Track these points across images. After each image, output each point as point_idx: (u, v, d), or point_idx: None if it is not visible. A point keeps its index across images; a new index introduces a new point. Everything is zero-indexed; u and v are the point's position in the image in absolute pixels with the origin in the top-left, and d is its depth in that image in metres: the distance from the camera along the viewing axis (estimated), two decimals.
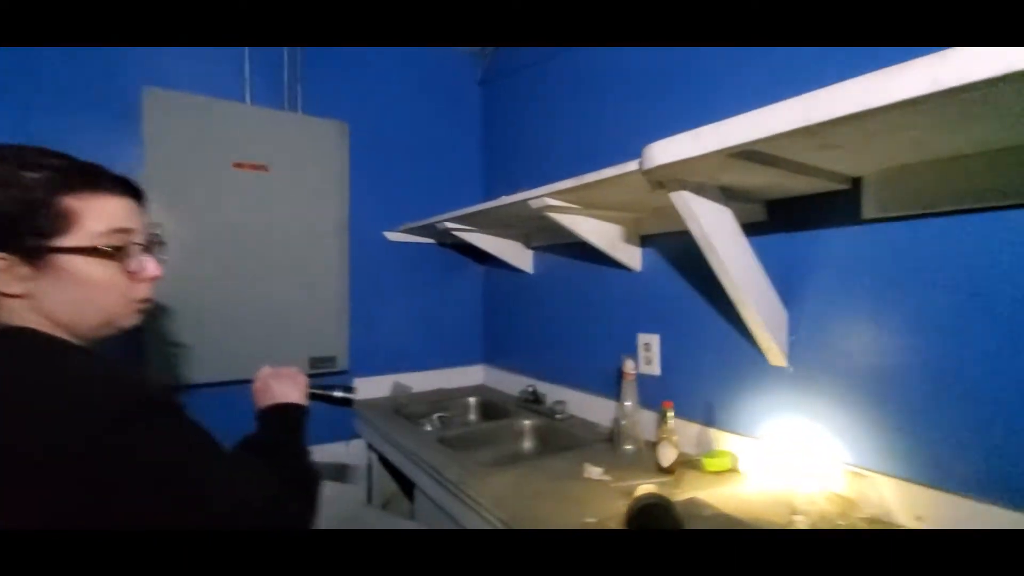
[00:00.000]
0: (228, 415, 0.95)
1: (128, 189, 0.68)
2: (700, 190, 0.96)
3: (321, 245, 1.84)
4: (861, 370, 1.02)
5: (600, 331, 1.68)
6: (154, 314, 1.56)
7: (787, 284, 1.13)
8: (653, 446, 1.26)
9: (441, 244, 2.22)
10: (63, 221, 0.61)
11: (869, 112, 0.57)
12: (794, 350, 1.14)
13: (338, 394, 1.02)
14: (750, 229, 1.15)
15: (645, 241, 1.51)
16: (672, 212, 1.00)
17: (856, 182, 1.00)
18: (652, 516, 0.89)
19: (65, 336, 0.63)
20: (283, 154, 1.74)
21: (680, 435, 1.31)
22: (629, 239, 1.50)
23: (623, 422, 1.35)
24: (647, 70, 1.50)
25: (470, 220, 1.67)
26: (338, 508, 1.58)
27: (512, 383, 2.06)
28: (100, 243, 0.63)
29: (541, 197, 1.20)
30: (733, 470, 1.22)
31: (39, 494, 0.51)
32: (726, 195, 1.01)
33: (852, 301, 1.04)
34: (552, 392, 1.85)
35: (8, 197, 0.59)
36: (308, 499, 0.74)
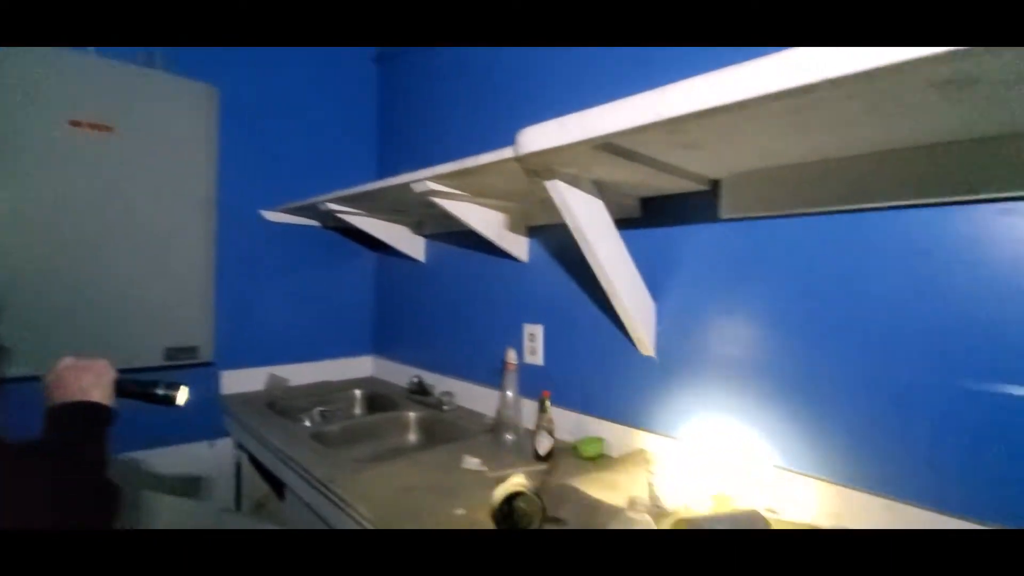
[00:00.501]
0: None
1: None
2: (574, 181, 0.97)
3: (181, 221, 1.64)
4: (716, 359, 1.10)
5: (489, 321, 1.67)
6: None
7: (656, 277, 1.19)
8: (533, 435, 1.28)
9: (328, 228, 2.09)
10: None
11: (710, 111, 0.60)
12: (660, 340, 1.20)
13: (160, 392, 0.87)
14: (625, 224, 1.20)
15: (532, 232, 1.52)
16: (555, 208, 1.01)
17: (715, 184, 1.07)
18: (516, 504, 0.89)
19: None
20: (133, 115, 1.52)
21: (559, 423, 1.34)
22: (516, 229, 1.50)
23: (504, 412, 1.35)
24: (533, 56, 1.50)
25: (355, 202, 1.58)
26: (195, 520, 1.43)
27: (403, 374, 1.99)
28: None
29: (423, 180, 1.16)
30: (604, 455, 1.27)
31: None
32: (599, 188, 1.04)
33: (710, 295, 1.12)
34: (441, 383, 1.81)
35: None
36: (96, 517, 0.62)
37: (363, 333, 2.22)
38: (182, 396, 0.89)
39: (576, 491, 1.05)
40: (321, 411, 1.82)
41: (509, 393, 1.36)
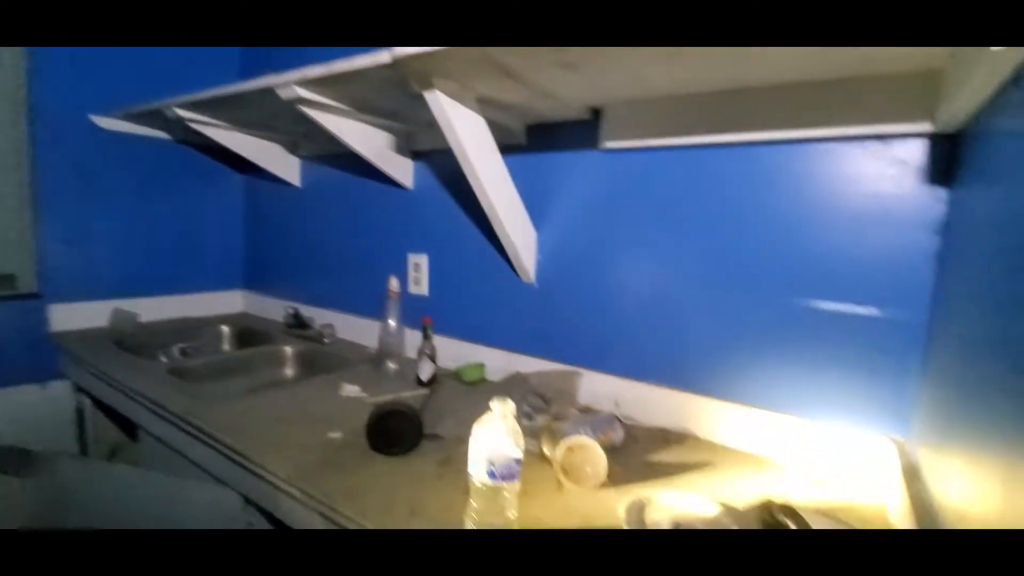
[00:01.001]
0: None
1: None
2: (456, 96, 0.93)
3: None
4: (591, 285, 1.17)
5: (372, 251, 1.60)
6: None
7: (538, 207, 1.21)
8: (416, 362, 1.28)
9: (183, 142, 1.82)
10: None
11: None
12: (541, 268, 1.24)
13: None
14: (510, 151, 1.19)
15: (417, 157, 1.46)
16: (440, 130, 0.96)
17: (596, 113, 1.10)
18: (394, 421, 0.89)
19: None
20: None
21: (443, 352, 1.36)
22: (400, 153, 1.43)
23: (386, 340, 1.33)
24: None
25: (212, 110, 1.38)
26: (39, 472, 1.25)
27: (279, 309, 1.86)
28: None
29: (289, 85, 1.03)
30: (484, 379, 1.32)
31: None
32: (483, 108, 1.01)
33: (588, 224, 1.16)
34: (321, 316, 1.73)
35: None
36: None
37: (231, 265, 2.02)
38: None
39: (455, 409, 1.08)
40: (181, 348, 1.65)
41: (391, 322, 1.33)
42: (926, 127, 0.79)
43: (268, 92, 1.08)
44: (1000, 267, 0.54)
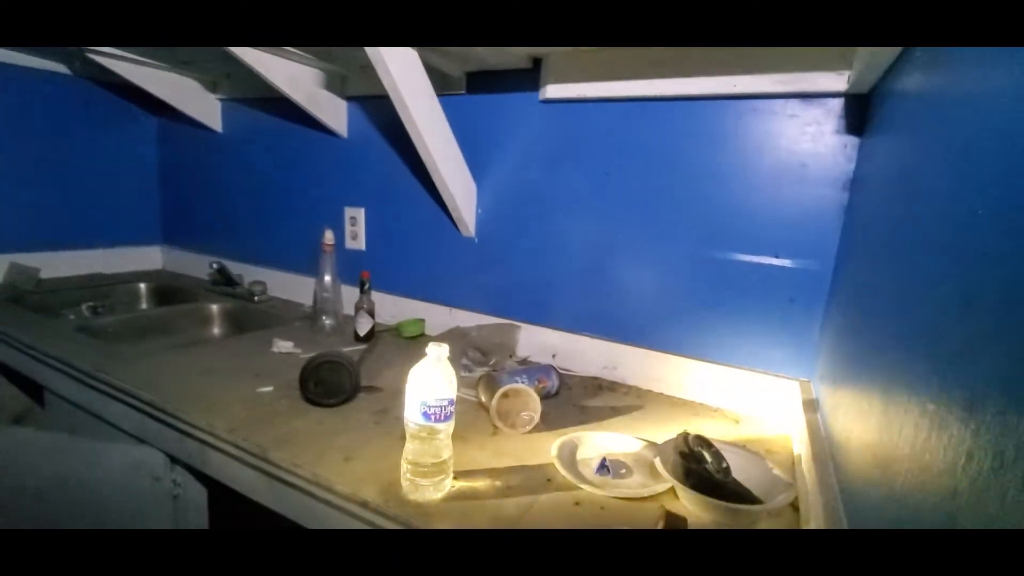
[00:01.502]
0: None
1: None
2: None
3: None
4: (528, 239, 1.18)
5: (305, 204, 1.53)
6: None
7: (478, 158, 1.20)
8: (353, 319, 1.25)
9: (88, 78, 1.62)
10: None
11: None
12: (480, 222, 1.23)
13: None
14: (449, 102, 1.15)
15: (352, 103, 1.38)
16: (377, 74, 0.91)
17: (537, 62, 1.08)
18: (327, 371, 0.88)
19: None
20: None
21: (381, 308, 1.33)
22: (333, 96, 1.35)
23: (322, 295, 1.29)
24: None
25: None
26: None
27: (203, 267, 1.74)
28: None
29: None
30: (423, 335, 1.31)
31: None
32: (421, 49, 0.96)
33: (527, 177, 1.16)
34: (251, 274, 1.64)
35: None
36: None
37: (147, 217, 1.86)
38: None
39: (393, 362, 1.07)
40: (91, 306, 1.53)
41: (327, 277, 1.29)
42: (841, 86, 0.83)
43: None
44: (888, 217, 0.59)
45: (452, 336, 1.22)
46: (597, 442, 0.81)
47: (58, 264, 1.63)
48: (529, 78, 1.10)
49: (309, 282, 1.49)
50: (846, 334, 0.70)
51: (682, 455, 0.68)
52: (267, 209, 1.62)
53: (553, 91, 1.06)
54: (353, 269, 1.36)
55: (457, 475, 0.70)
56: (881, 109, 0.74)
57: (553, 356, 1.16)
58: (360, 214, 1.41)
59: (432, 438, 0.64)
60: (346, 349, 1.16)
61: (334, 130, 1.37)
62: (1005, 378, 0.27)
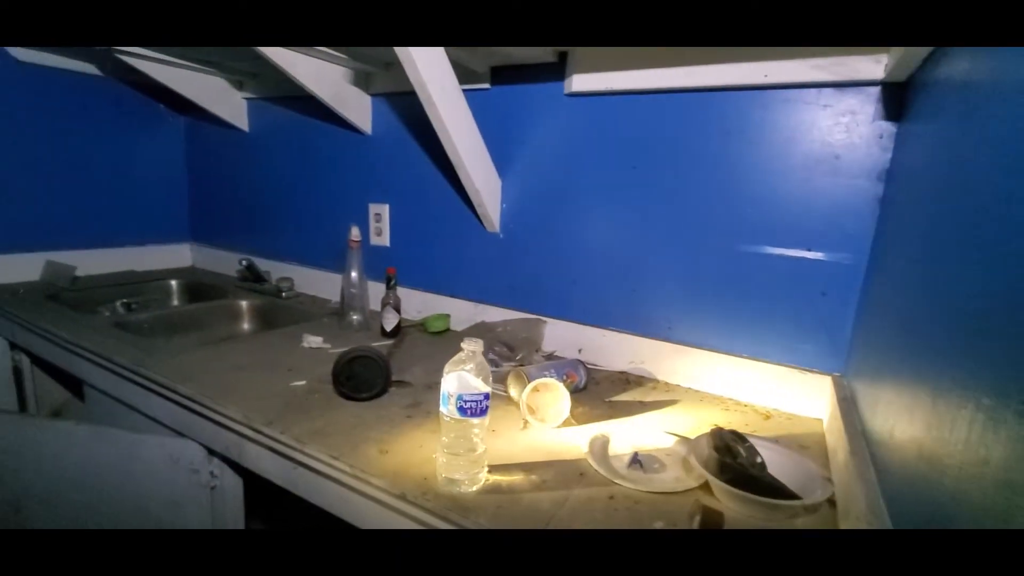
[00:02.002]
0: None
1: None
2: None
3: None
4: (553, 234, 1.18)
5: (330, 201, 1.55)
6: None
7: (502, 153, 1.20)
8: (380, 314, 1.27)
9: (118, 78, 1.66)
10: None
11: None
12: (505, 217, 1.24)
13: None
14: (474, 97, 1.15)
15: (376, 101, 1.39)
16: (402, 72, 0.92)
17: (563, 56, 1.07)
18: (360, 366, 0.89)
19: None
20: None
21: (406, 304, 1.35)
22: (358, 94, 1.36)
23: (349, 291, 1.30)
24: None
25: None
26: None
27: (231, 263, 1.78)
28: None
29: None
30: (449, 330, 1.32)
31: None
32: (447, 48, 0.97)
33: (552, 172, 1.16)
34: (278, 270, 1.67)
35: None
36: None
37: (177, 216, 1.91)
38: None
39: (422, 357, 1.09)
40: (125, 303, 1.57)
41: (353, 272, 1.30)
42: (879, 74, 0.81)
43: None
44: (931, 209, 0.58)
45: (478, 331, 1.23)
46: (628, 437, 0.81)
47: (92, 262, 1.68)
48: (554, 71, 1.09)
49: (335, 278, 1.51)
50: (886, 328, 0.69)
51: (716, 450, 0.67)
52: (293, 206, 1.64)
53: (579, 84, 1.06)
54: (378, 265, 1.37)
55: (491, 469, 0.70)
56: (921, 98, 0.73)
57: (579, 351, 1.16)
58: (385, 210, 1.42)
59: (467, 432, 0.65)
60: (375, 344, 1.18)
61: (359, 127, 1.38)
62: None
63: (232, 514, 1.05)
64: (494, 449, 0.75)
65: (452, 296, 1.35)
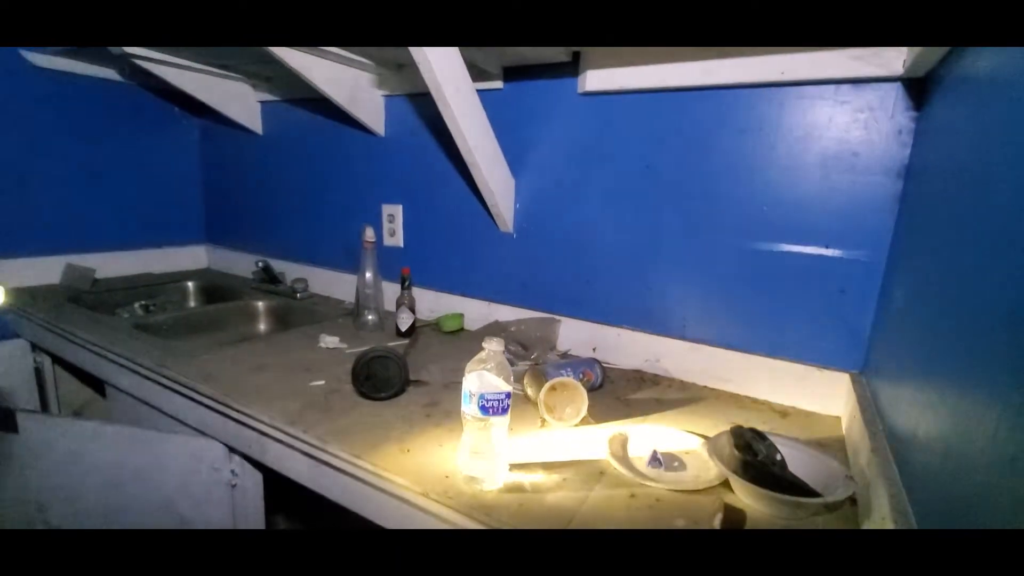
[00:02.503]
0: None
1: None
2: None
3: None
4: (567, 233, 1.18)
5: (343, 202, 1.56)
6: None
7: (515, 153, 1.20)
8: (394, 314, 1.28)
9: (133, 82, 1.68)
10: None
11: None
12: (519, 217, 1.24)
13: None
14: (487, 97, 1.15)
15: (389, 102, 1.40)
16: (415, 73, 0.93)
17: (576, 56, 1.08)
18: (378, 365, 0.90)
19: None
20: None
21: (420, 303, 1.36)
22: (371, 96, 1.37)
23: (364, 291, 1.32)
24: None
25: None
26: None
27: (246, 265, 1.80)
28: None
29: None
30: (463, 329, 1.33)
31: None
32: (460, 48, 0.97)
33: (566, 171, 1.16)
34: (292, 271, 1.69)
35: None
36: None
37: (192, 218, 1.93)
38: None
39: (438, 356, 1.09)
40: (143, 304, 1.59)
41: (368, 273, 1.32)
42: (898, 70, 0.81)
43: None
44: (954, 207, 0.58)
45: (492, 330, 1.24)
46: (646, 435, 0.82)
47: (110, 264, 1.70)
48: (568, 70, 1.10)
49: (348, 279, 1.53)
50: (908, 325, 0.69)
51: (737, 447, 0.67)
52: (306, 208, 1.66)
53: (592, 83, 1.06)
54: (391, 266, 1.38)
55: (511, 467, 0.71)
56: (941, 93, 0.72)
57: (594, 350, 1.16)
58: (398, 211, 1.43)
59: (489, 431, 0.66)
60: (390, 344, 1.19)
61: (372, 129, 1.39)
62: None
63: (253, 512, 1.07)
64: (513, 448, 0.76)
65: (465, 296, 1.35)
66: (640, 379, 1.08)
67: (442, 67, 0.93)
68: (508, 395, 0.65)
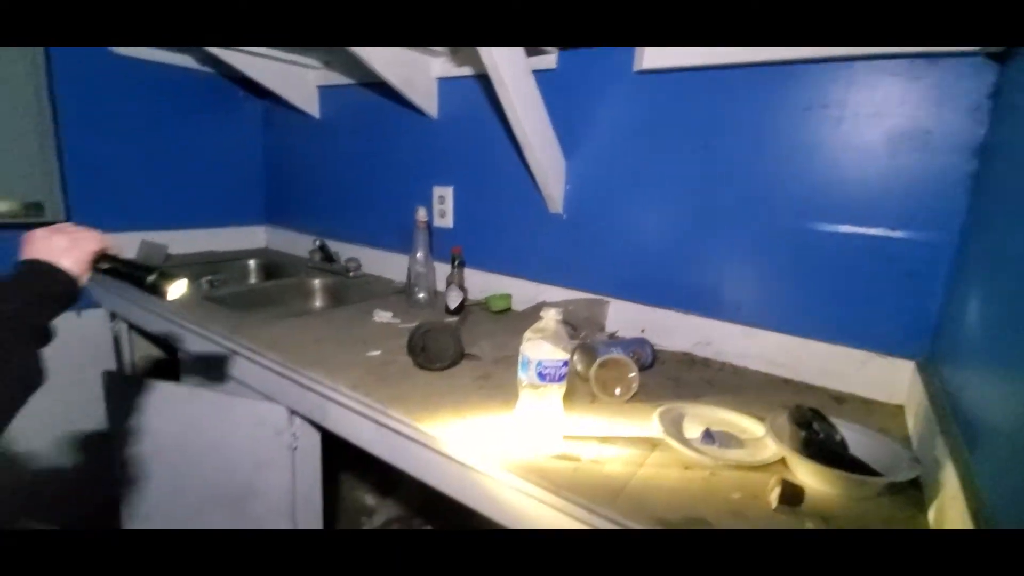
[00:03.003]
0: None
1: None
2: None
3: None
4: (617, 214, 1.18)
5: (396, 184, 1.60)
6: None
7: (568, 134, 1.20)
8: (444, 293, 1.31)
9: (203, 67, 1.78)
10: None
11: None
12: (569, 198, 1.25)
13: (149, 279, 0.74)
14: (541, 77, 1.16)
15: (443, 84, 1.43)
16: (471, 54, 0.94)
17: None
18: (433, 337, 0.93)
19: None
20: None
21: (469, 283, 1.39)
22: (426, 78, 1.40)
23: (415, 270, 1.36)
24: None
25: None
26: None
27: (301, 245, 1.88)
28: None
29: None
30: (511, 310, 1.35)
31: None
32: None
33: (619, 152, 1.16)
34: (345, 251, 1.75)
35: None
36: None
37: (253, 199, 2.03)
38: (176, 290, 0.75)
39: (489, 333, 1.12)
40: (209, 280, 1.69)
41: (420, 252, 1.35)
42: (973, 46, 0.77)
43: None
44: None
45: (539, 311, 1.25)
46: (699, 413, 0.82)
47: (180, 241, 1.81)
48: (623, 49, 1.09)
49: (398, 259, 1.58)
50: (985, 311, 0.66)
51: (798, 425, 0.67)
52: (359, 190, 1.71)
53: (649, 61, 1.05)
54: (441, 247, 1.42)
55: (564, 438, 0.73)
56: (1022, 68, 0.68)
57: (642, 331, 1.16)
58: (448, 193, 1.46)
59: (545, 398, 0.67)
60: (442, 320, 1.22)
61: (425, 111, 1.42)
62: None
63: (311, 473, 1.13)
64: (565, 421, 0.78)
65: (514, 276, 1.37)
66: (690, 362, 1.08)
67: (501, 50, 0.94)
68: (565, 363, 0.67)
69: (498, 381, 0.92)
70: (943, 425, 0.65)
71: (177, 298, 0.76)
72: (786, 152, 0.96)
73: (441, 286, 1.42)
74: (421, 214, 1.33)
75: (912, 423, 0.82)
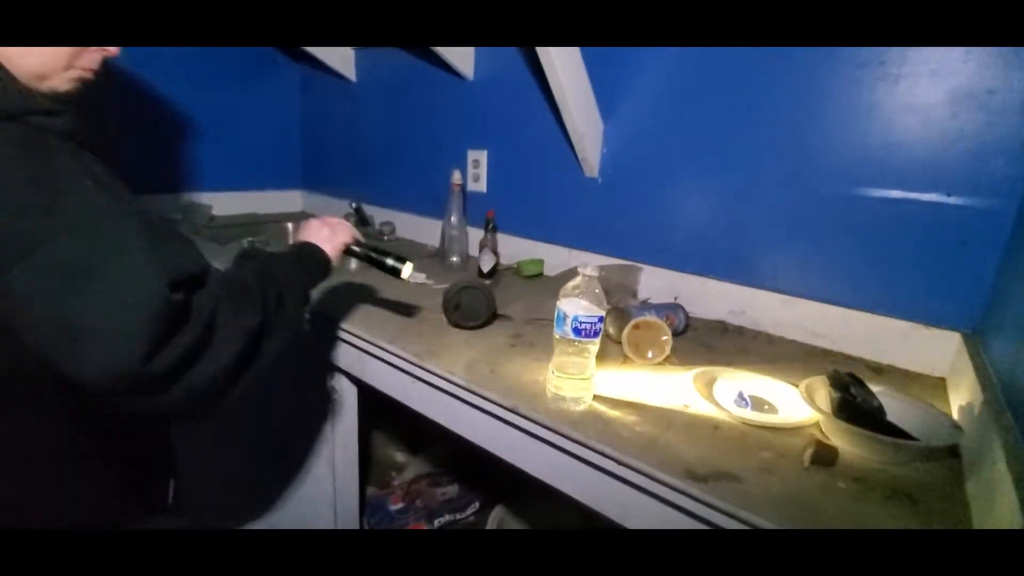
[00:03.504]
0: None
1: None
2: None
3: None
4: (654, 178, 1.16)
5: (430, 148, 1.61)
6: None
7: (607, 96, 1.18)
8: (478, 256, 1.32)
9: None
10: None
11: None
12: (605, 162, 1.23)
13: (388, 262, 0.92)
14: None
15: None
16: None
17: None
18: (467, 296, 0.95)
19: None
20: None
21: (501, 247, 1.39)
22: None
23: (449, 232, 1.37)
24: None
25: None
26: None
27: (337, 210, 1.91)
28: None
29: None
30: (543, 275, 1.36)
31: None
32: None
33: (657, 116, 1.13)
34: (380, 215, 1.78)
35: None
36: (275, 342, 0.69)
37: (291, 163, 2.07)
38: (407, 270, 0.92)
39: (521, 295, 1.13)
40: (250, 240, 1.74)
41: (453, 216, 1.37)
42: None
43: None
44: None
45: (571, 276, 1.25)
46: (732, 378, 0.81)
47: (222, 203, 1.88)
48: None
49: (431, 223, 1.59)
50: None
51: (834, 388, 0.66)
52: (393, 154, 1.73)
53: None
54: (474, 211, 1.42)
55: (595, 398, 0.74)
56: None
57: (675, 298, 1.15)
58: (483, 156, 1.46)
59: (580, 354, 0.69)
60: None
61: (462, 73, 1.41)
62: None
63: (348, 425, 1.18)
64: (597, 381, 0.79)
65: (546, 242, 1.37)
66: (724, 329, 1.07)
67: None
68: (601, 319, 0.67)
69: (530, 340, 0.94)
70: (989, 398, 0.64)
71: (408, 276, 0.92)
72: (836, 112, 0.92)
73: (474, 250, 1.43)
74: (456, 177, 1.34)
75: (954, 396, 0.80)
